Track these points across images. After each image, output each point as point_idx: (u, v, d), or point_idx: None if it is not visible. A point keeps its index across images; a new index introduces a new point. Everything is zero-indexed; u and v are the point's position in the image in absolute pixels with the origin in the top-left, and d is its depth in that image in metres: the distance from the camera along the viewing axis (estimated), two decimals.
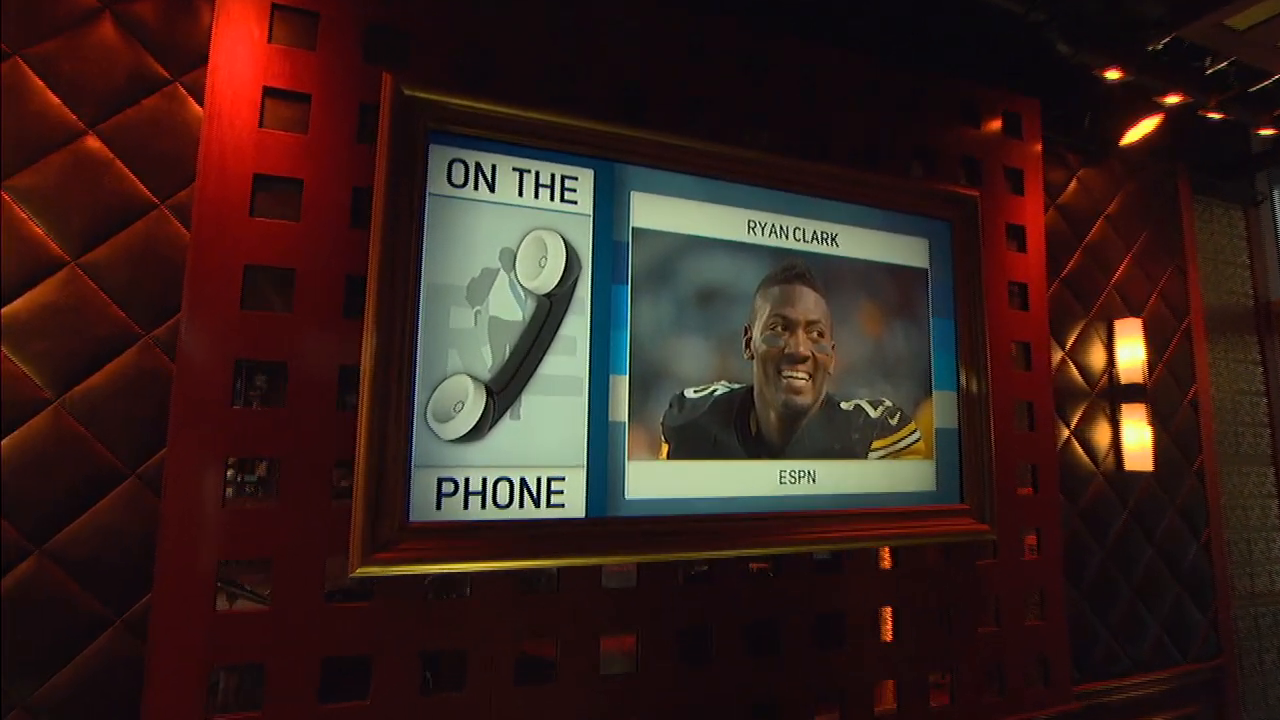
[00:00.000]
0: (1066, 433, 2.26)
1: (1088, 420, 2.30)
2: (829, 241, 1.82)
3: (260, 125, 1.32)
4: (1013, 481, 1.98)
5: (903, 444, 1.84)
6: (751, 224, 1.73)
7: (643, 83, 1.66)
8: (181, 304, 1.24)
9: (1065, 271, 2.33)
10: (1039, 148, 2.17)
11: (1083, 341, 2.33)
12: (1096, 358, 2.35)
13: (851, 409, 1.79)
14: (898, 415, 1.84)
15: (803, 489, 1.70)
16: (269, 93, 1.33)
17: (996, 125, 2.11)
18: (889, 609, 1.83)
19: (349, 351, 1.32)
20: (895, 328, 1.87)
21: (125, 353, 1.26)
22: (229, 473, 1.29)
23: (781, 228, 1.76)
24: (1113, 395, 2.34)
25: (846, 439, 1.77)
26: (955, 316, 1.93)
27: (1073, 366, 2.31)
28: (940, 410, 1.89)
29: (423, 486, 1.36)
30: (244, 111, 1.30)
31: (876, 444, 1.80)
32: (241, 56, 1.31)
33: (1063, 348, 2.30)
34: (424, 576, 1.35)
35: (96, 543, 1.21)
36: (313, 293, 1.32)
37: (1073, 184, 2.41)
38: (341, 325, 1.33)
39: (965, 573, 1.88)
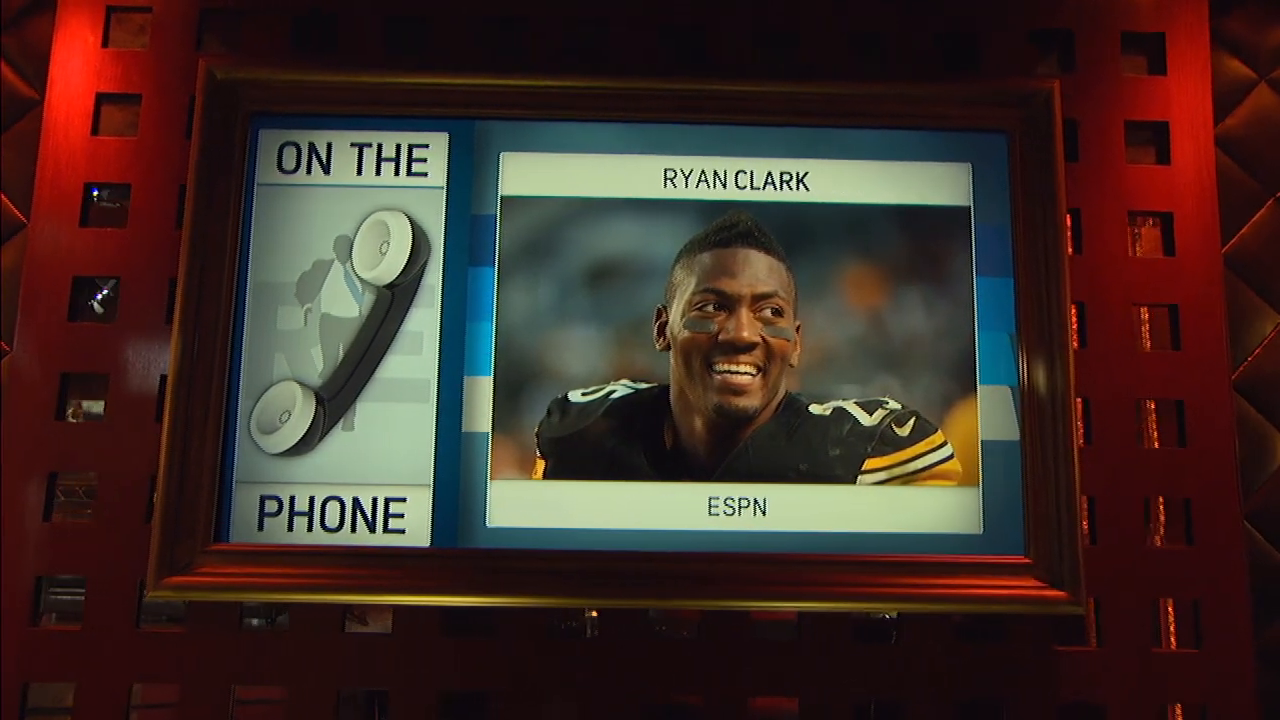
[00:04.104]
0: None
1: None
2: (793, 184, 1.41)
3: (94, 133, 1.39)
4: (1133, 525, 1.36)
5: (920, 464, 1.36)
6: (669, 174, 1.41)
7: (515, 14, 1.44)
8: (16, 319, 1.35)
9: None
10: None
11: None
12: None
13: (829, 414, 1.37)
14: (911, 422, 1.36)
15: (746, 523, 1.34)
16: (103, 98, 1.40)
17: None
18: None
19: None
20: (909, 297, 1.39)
21: None
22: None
23: (715, 174, 1.41)
24: None
25: (820, 456, 1.35)
26: (1014, 273, 1.38)
27: None
28: (991, 414, 1.37)
29: (244, 505, 1.32)
30: (77, 121, 1.38)
31: (872, 463, 1.36)
32: (76, 67, 1.40)
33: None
34: (237, 605, 1.31)
35: None
36: (136, 300, 1.36)
37: None
38: (164, 333, 1.35)
39: (1034, 665, 1.33)
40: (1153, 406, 1.61)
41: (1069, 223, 1.39)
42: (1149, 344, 1.56)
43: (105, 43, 1.41)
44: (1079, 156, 1.43)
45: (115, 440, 1.33)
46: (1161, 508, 1.57)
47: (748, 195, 1.41)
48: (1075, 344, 1.40)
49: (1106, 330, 1.39)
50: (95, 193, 1.38)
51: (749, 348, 1.35)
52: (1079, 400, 1.38)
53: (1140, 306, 1.42)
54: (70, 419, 1.44)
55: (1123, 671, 1.32)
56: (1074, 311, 1.40)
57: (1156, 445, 1.55)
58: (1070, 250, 1.42)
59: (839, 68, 1.45)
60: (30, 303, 1.35)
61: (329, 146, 1.40)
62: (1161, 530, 1.60)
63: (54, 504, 1.32)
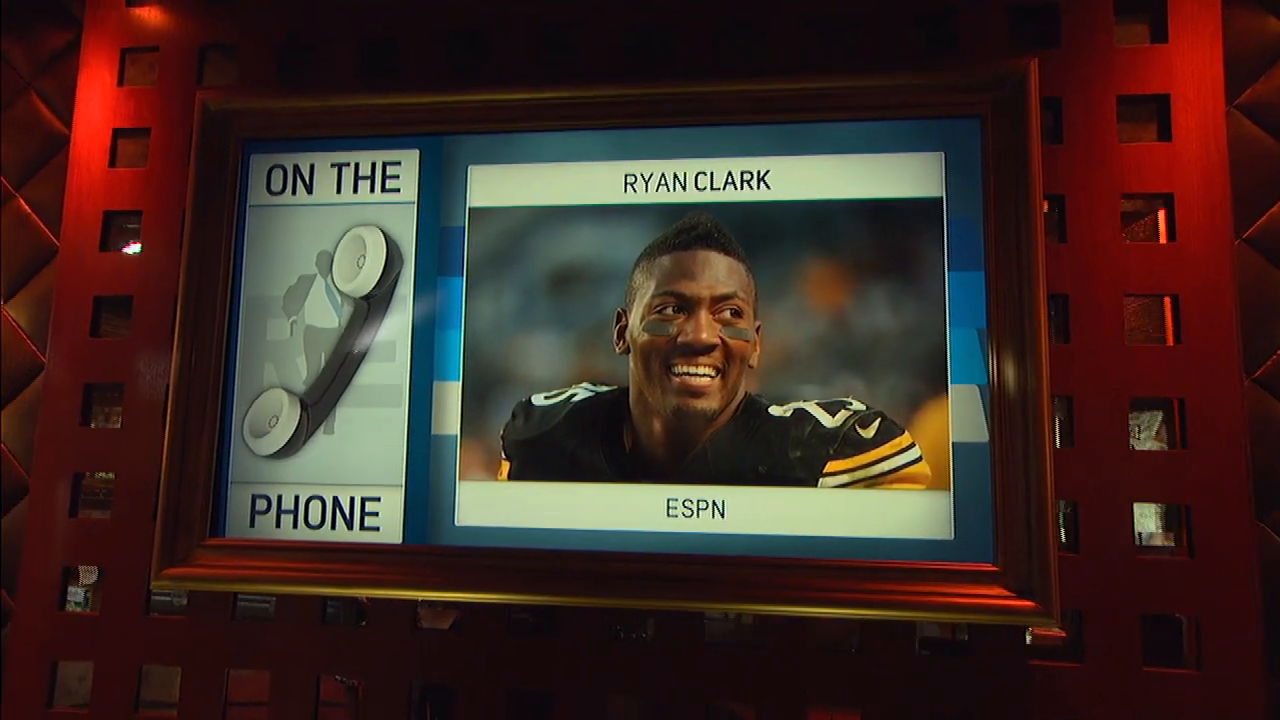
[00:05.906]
0: None
1: None
2: (754, 183, 1.43)
3: (111, 165, 1.57)
4: (1120, 532, 1.30)
5: (885, 466, 1.35)
6: (630, 179, 1.46)
7: (478, 31, 1.53)
8: (48, 335, 1.55)
9: None
10: None
11: None
12: None
13: (789, 415, 1.38)
14: (876, 424, 1.36)
15: (704, 525, 1.38)
16: (119, 133, 1.58)
17: None
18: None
19: None
20: (876, 295, 1.39)
21: (36, 379, 1.62)
22: None
23: (675, 177, 1.45)
24: None
25: (780, 458, 1.37)
26: (986, 266, 1.35)
27: None
28: (963, 415, 1.35)
29: (238, 504, 1.47)
30: (97, 155, 1.57)
31: (834, 465, 1.36)
32: (96, 105, 1.59)
33: None
34: (231, 594, 1.46)
35: (11, 540, 1.58)
36: (148, 317, 1.53)
37: None
38: (171, 346, 1.51)
39: (1007, 680, 1.30)
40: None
41: (1046, 208, 1.34)
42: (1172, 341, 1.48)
43: (121, 81, 1.60)
44: (1063, 138, 1.38)
45: (130, 445, 1.50)
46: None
47: (708, 197, 1.44)
48: (1058, 338, 1.36)
49: (1094, 323, 1.34)
50: None
51: (707, 349, 1.38)
52: (1064, 399, 1.34)
53: (1134, 297, 1.35)
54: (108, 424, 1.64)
55: (1108, 692, 1.27)
56: (1056, 304, 1.36)
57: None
58: (1056, 239, 1.38)
59: (805, 60, 1.45)
60: (60, 321, 1.54)
61: (311, 168, 1.53)
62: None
63: (79, 502, 1.51)
